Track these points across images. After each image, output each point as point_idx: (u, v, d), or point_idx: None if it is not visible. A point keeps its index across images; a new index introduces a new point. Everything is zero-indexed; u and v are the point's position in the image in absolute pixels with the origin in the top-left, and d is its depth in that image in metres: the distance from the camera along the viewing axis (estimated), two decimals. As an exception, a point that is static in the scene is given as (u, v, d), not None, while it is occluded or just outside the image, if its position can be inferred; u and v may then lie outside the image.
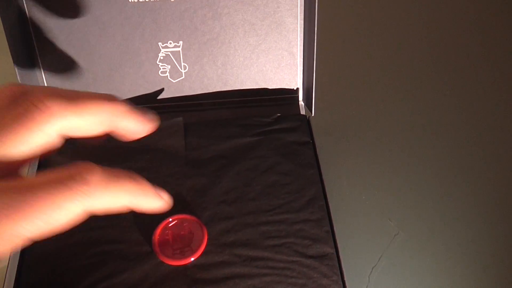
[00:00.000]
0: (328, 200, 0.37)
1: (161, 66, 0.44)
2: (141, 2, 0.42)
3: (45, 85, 0.44)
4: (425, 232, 0.41)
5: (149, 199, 0.25)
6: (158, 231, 0.35)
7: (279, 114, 0.44)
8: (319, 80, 0.44)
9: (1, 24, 0.39)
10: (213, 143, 0.41)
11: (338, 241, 0.35)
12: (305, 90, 0.45)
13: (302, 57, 0.45)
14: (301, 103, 0.46)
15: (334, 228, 0.36)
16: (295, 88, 0.46)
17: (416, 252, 0.40)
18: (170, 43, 0.43)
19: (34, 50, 0.43)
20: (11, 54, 0.39)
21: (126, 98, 0.45)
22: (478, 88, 0.52)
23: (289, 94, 0.46)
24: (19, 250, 0.35)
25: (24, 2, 0.41)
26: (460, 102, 0.50)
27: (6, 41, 0.39)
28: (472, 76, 0.53)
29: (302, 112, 0.46)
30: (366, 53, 0.54)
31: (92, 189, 0.21)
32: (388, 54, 0.55)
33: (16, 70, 0.40)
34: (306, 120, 0.44)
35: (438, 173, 0.45)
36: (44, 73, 0.43)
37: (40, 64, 0.43)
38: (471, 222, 0.42)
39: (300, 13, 0.43)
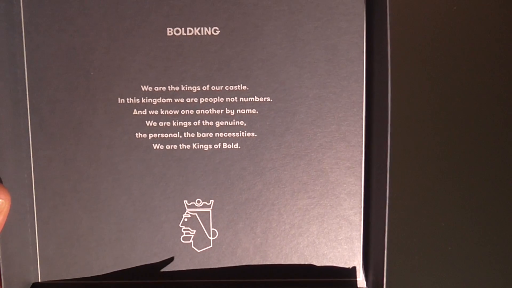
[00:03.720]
0: None
1: (184, 230, 0.35)
2: (168, 150, 0.34)
3: (37, 251, 0.35)
4: None
5: None
6: None
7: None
8: (393, 259, 0.33)
9: None
10: None
11: None
12: (372, 274, 0.34)
13: (363, 227, 0.35)
14: (365, 289, 0.35)
15: None
16: (353, 269, 0.35)
17: None
18: (198, 202, 0.34)
19: (32, 201, 0.34)
20: None
21: (134, 268, 0.35)
22: None
23: (347, 277, 0.35)
24: None
25: (31, 143, 0.34)
26: None
27: None
28: None
29: (366, 302, 0.34)
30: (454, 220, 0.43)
31: None
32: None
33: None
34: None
35: None
36: (38, 232, 0.35)
37: (36, 219, 0.35)
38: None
39: (363, 171, 0.34)
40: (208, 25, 0.33)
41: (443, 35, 0.38)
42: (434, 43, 0.38)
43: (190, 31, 0.33)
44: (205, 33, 0.33)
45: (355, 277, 0.35)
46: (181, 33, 0.33)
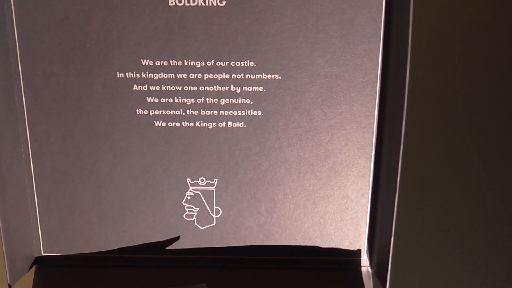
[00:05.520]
0: None
1: (187, 208, 0.34)
2: (170, 127, 0.32)
3: (39, 226, 0.34)
4: None
5: None
6: None
7: None
8: (399, 242, 0.32)
9: None
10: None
11: None
12: (377, 255, 0.34)
13: (371, 209, 0.34)
14: (369, 269, 0.35)
15: None
16: (357, 250, 0.34)
17: None
18: (202, 180, 0.33)
19: (31, 176, 0.34)
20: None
21: (137, 244, 0.34)
22: None
23: (352, 257, 0.35)
24: None
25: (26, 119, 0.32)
26: None
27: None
28: None
29: (367, 283, 0.34)
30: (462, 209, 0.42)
31: None
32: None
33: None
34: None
35: None
36: (38, 207, 0.34)
37: (35, 194, 0.34)
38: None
39: (374, 154, 0.33)
40: None
41: (469, 13, 0.35)
42: (458, 24, 0.35)
43: (193, 1, 0.30)
44: (210, 4, 0.30)
45: (359, 257, 0.35)
46: (184, 3, 0.30)
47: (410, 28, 0.28)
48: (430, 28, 0.36)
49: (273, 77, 0.32)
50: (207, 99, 0.32)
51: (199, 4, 0.30)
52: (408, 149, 0.31)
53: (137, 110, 0.32)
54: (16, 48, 0.31)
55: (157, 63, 0.31)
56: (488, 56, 0.36)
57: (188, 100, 0.32)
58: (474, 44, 0.36)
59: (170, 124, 0.32)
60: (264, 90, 0.32)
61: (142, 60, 0.31)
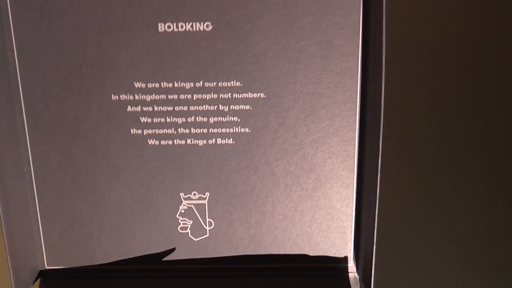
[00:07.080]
0: None
1: (181, 220, 0.36)
2: (163, 145, 0.34)
3: (42, 240, 0.36)
4: None
5: None
6: None
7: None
8: (382, 248, 0.34)
9: None
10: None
11: None
12: (362, 261, 0.35)
13: (355, 217, 0.36)
14: (356, 275, 0.36)
15: None
16: (344, 257, 0.36)
17: None
18: (194, 194, 0.35)
19: (33, 193, 0.35)
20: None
21: (135, 256, 0.36)
22: None
23: (339, 263, 0.36)
24: None
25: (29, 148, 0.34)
26: None
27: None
28: None
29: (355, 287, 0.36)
30: (441, 214, 0.44)
31: None
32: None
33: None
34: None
35: None
36: (41, 222, 0.36)
37: (38, 210, 0.36)
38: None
39: (356, 166, 0.35)
40: (200, 20, 0.32)
41: (439, 31, 0.37)
42: (429, 40, 0.37)
43: (182, 26, 0.32)
44: (198, 29, 0.32)
45: (346, 264, 0.36)
46: (173, 28, 0.32)
47: (384, 47, 0.30)
48: (403, 47, 0.37)
49: (258, 96, 0.33)
50: (197, 118, 0.34)
51: (187, 30, 0.32)
52: (387, 159, 0.33)
53: (131, 130, 0.34)
54: (17, 73, 0.33)
55: (149, 85, 0.33)
56: (462, 69, 0.38)
57: (179, 119, 0.34)
58: (446, 59, 0.38)
59: (163, 142, 0.34)
60: (251, 108, 0.34)
61: (135, 83, 0.33)
